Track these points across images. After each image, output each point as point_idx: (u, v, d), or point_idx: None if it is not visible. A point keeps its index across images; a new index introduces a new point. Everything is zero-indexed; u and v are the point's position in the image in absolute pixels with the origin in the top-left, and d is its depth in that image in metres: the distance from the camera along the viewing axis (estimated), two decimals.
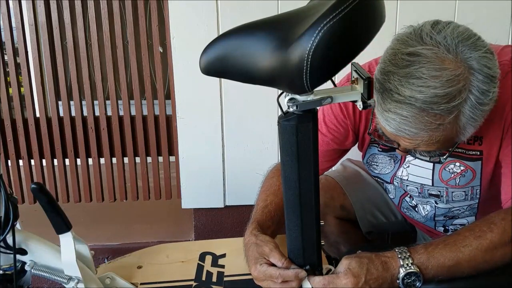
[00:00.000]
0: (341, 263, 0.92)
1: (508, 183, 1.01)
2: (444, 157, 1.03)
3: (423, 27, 0.91)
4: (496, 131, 1.02)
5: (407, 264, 0.90)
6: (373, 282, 0.89)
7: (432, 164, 1.13)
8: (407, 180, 1.18)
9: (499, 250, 0.92)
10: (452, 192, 1.14)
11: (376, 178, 1.29)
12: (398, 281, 0.90)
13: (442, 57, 0.86)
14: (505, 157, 1.03)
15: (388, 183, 1.26)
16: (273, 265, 0.93)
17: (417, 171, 1.16)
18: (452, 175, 1.11)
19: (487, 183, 1.10)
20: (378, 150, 1.20)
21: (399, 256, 0.91)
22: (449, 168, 1.11)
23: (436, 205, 1.19)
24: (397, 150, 1.05)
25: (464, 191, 1.13)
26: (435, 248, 0.92)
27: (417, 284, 0.90)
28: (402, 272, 0.90)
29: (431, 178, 1.14)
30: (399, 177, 1.20)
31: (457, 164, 1.09)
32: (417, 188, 1.18)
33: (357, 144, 1.24)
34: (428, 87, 0.85)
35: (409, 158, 1.16)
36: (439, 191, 1.15)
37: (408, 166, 1.17)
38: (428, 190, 1.16)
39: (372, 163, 1.23)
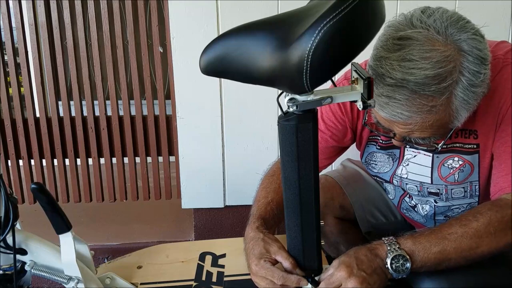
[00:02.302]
0: (331, 265, 0.93)
1: (498, 175, 1.02)
2: (440, 144, 1.03)
3: (413, 13, 0.93)
4: (491, 125, 1.03)
5: (394, 249, 0.91)
6: (366, 267, 0.90)
7: (431, 161, 1.13)
8: (406, 178, 1.19)
9: (485, 239, 0.92)
10: (452, 189, 1.14)
11: (375, 177, 1.29)
12: (387, 266, 0.91)
13: (432, 39, 0.88)
14: (496, 149, 1.04)
15: (387, 183, 1.26)
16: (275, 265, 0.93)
17: (416, 169, 1.16)
18: (451, 170, 1.11)
19: (485, 178, 1.10)
20: (377, 148, 1.20)
21: (386, 242, 0.93)
22: (448, 163, 1.11)
23: (435, 204, 1.19)
24: (393, 140, 1.05)
25: (463, 187, 1.13)
26: (421, 235, 0.94)
27: (407, 265, 0.90)
28: (389, 256, 0.91)
29: (430, 176, 1.14)
30: (399, 175, 1.20)
31: (456, 158, 1.10)
32: (416, 186, 1.18)
33: (355, 143, 1.25)
34: (419, 68, 0.87)
35: (408, 156, 1.16)
36: (438, 189, 1.15)
37: (408, 164, 1.17)
38: (427, 188, 1.16)
39: (371, 161, 1.23)
